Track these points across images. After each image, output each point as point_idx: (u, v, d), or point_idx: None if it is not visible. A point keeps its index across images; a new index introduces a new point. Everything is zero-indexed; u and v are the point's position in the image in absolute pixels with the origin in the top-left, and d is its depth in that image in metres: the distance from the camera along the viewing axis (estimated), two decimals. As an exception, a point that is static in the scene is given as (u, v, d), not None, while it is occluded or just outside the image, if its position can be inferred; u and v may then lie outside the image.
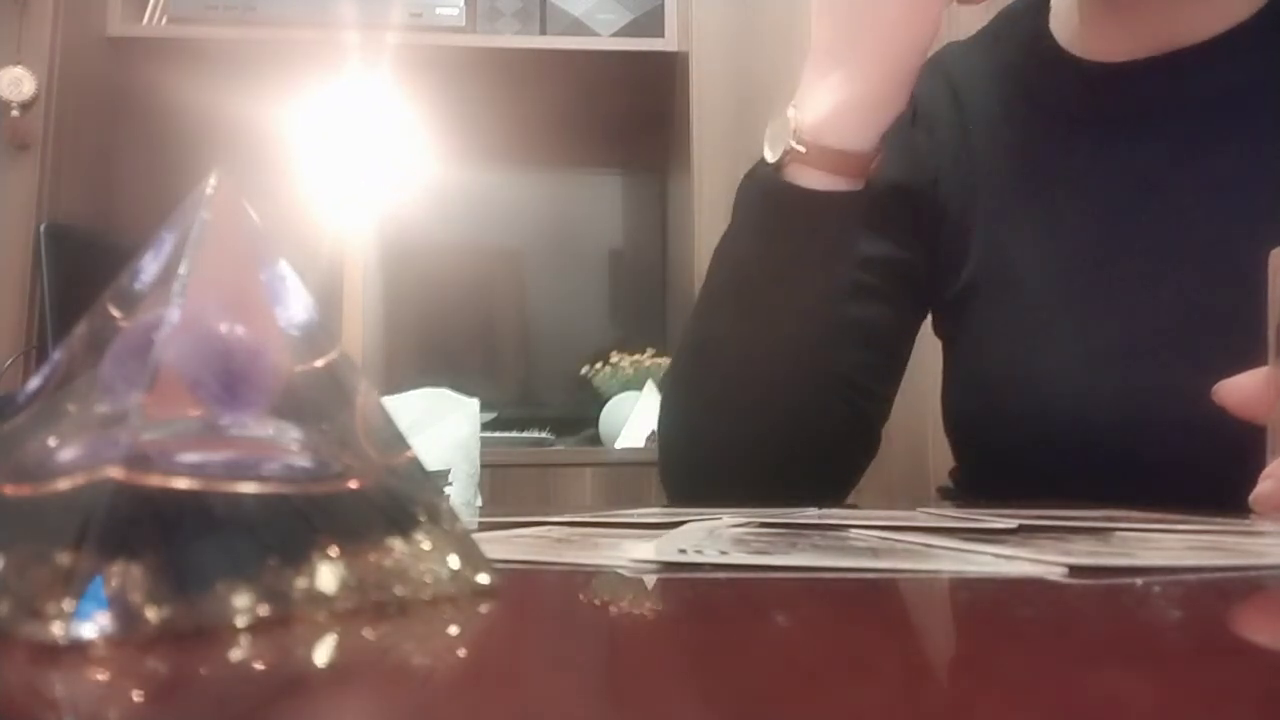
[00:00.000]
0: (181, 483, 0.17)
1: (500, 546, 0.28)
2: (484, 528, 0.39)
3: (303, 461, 0.19)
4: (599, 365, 1.83)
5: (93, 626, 0.14)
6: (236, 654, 0.15)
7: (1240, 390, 0.41)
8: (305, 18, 1.70)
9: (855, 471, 0.64)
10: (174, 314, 0.18)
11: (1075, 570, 0.23)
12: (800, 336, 0.55)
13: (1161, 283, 0.56)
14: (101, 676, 0.14)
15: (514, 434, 1.73)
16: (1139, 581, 0.22)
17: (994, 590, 0.23)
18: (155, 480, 0.16)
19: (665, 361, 1.82)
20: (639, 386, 1.78)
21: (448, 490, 0.77)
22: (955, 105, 0.67)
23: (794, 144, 0.56)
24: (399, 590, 0.19)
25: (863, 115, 0.56)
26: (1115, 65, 0.61)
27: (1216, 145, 0.57)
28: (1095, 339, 0.56)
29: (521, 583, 0.23)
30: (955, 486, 0.70)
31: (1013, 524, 0.32)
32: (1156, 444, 0.52)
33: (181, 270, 0.18)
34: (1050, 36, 0.65)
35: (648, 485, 1.61)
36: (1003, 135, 0.64)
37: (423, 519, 0.20)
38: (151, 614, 0.15)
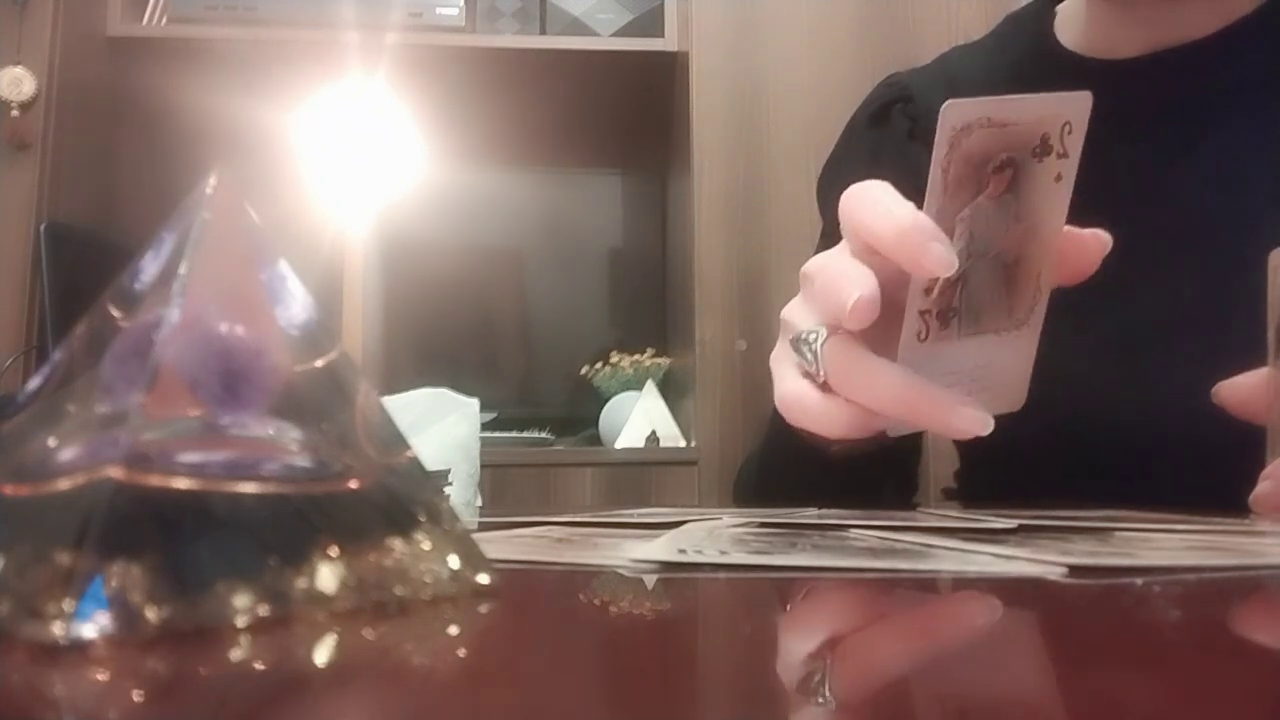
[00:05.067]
0: (181, 483, 0.17)
1: (500, 546, 0.28)
2: (484, 528, 0.39)
3: (303, 461, 0.19)
4: (599, 365, 1.83)
5: (93, 626, 0.14)
6: (236, 654, 0.15)
7: (1240, 390, 0.41)
8: (305, 18, 1.70)
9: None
10: (174, 314, 0.18)
11: (1075, 570, 0.23)
12: (843, 495, 0.52)
13: (1164, 281, 0.56)
14: (101, 676, 0.14)
15: (514, 434, 1.73)
16: (1139, 581, 0.22)
17: (994, 590, 0.23)
18: (155, 480, 0.16)
19: (665, 361, 1.82)
20: (639, 386, 1.78)
21: (448, 490, 0.77)
22: None
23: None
24: (399, 590, 0.19)
25: None
26: (1119, 62, 0.61)
27: (1220, 141, 0.57)
28: (1097, 337, 0.56)
29: (521, 583, 0.23)
30: (959, 487, 0.70)
31: (1013, 524, 0.32)
32: (1157, 443, 0.52)
33: (181, 270, 0.18)
34: (1054, 38, 0.65)
35: (648, 485, 1.61)
36: None
37: (423, 519, 0.20)
38: (151, 614, 0.15)
